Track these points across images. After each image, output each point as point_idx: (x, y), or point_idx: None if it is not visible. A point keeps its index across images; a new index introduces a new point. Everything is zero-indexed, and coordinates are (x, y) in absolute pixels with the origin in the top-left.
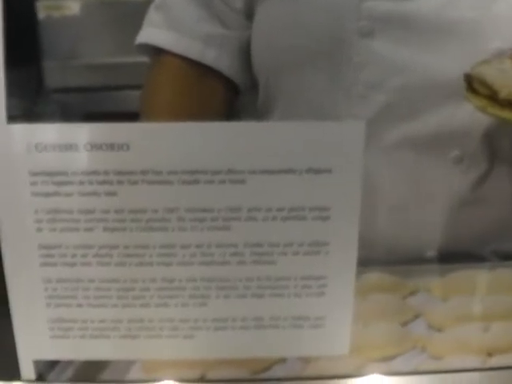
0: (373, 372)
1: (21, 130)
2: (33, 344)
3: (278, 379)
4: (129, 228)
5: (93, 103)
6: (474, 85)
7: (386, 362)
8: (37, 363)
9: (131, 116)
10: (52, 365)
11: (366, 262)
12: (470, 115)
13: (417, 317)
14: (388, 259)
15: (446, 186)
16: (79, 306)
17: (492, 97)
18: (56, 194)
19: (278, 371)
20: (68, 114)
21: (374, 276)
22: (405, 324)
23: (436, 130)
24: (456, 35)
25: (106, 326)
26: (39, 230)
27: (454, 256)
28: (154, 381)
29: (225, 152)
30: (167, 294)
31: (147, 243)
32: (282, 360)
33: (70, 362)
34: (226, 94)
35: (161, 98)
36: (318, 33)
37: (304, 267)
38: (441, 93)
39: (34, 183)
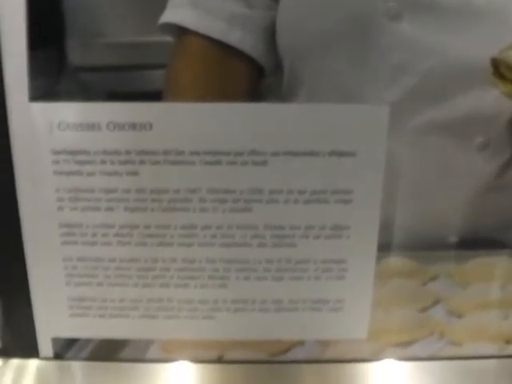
0: (390, 357)
1: (43, 108)
2: (52, 322)
3: (296, 361)
4: (150, 208)
5: (116, 82)
6: (500, 69)
7: (404, 348)
8: (55, 341)
9: (155, 95)
10: (70, 343)
11: (386, 247)
12: (495, 101)
13: (436, 303)
14: (409, 244)
15: (469, 172)
16: (99, 284)
17: None
18: (78, 173)
19: (296, 354)
20: (91, 93)
21: (395, 261)
22: (424, 310)
23: (462, 115)
24: (484, 19)
25: (125, 305)
26: (60, 208)
27: (475, 242)
28: (170, 361)
29: (247, 133)
30: (187, 275)
31: (168, 223)
32: (301, 343)
33: (88, 341)
34: (250, 74)
35: (184, 78)
36: (345, 15)
37: (325, 250)
38: (468, 78)
39: (55, 162)
